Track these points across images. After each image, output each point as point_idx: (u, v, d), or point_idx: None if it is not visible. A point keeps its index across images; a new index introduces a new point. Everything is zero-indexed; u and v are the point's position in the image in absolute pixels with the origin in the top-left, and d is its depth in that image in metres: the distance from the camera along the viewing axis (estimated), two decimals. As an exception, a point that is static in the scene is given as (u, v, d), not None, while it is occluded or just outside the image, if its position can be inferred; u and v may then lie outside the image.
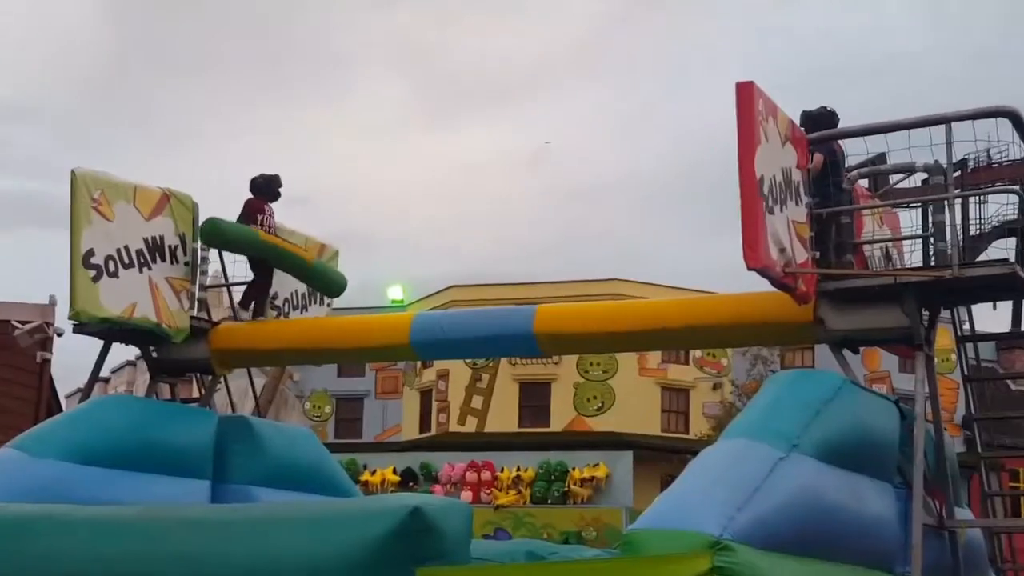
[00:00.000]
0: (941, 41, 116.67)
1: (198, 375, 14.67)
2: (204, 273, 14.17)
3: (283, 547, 8.59)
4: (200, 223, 13.76)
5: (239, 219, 13.92)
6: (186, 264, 13.71)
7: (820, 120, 11.55)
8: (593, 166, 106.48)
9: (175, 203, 13.69)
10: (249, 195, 14.25)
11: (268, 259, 14.13)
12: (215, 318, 14.34)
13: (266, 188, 14.32)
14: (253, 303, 14.33)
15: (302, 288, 15.07)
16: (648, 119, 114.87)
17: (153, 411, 13.23)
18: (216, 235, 13.72)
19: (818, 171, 11.17)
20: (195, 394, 15.18)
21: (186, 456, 12.98)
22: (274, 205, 14.36)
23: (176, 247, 13.61)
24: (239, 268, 14.60)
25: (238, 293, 14.74)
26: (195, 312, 13.87)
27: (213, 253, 14.29)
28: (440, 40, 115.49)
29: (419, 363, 48.20)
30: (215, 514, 9.67)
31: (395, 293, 52.47)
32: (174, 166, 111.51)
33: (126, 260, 12.96)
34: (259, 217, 14.01)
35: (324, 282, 14.68)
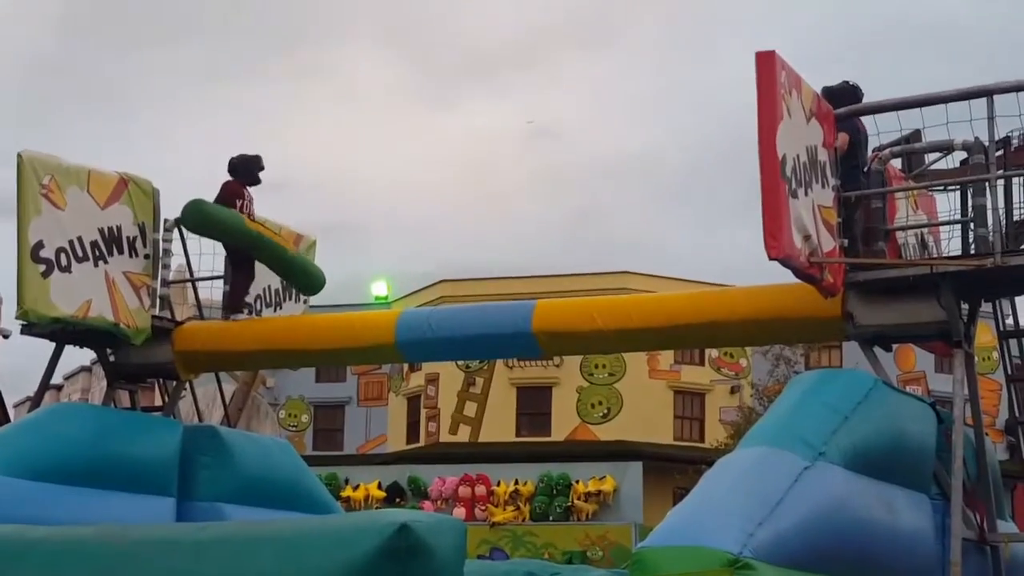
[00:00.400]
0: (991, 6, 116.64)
1: (161, 381, 14.66)
2: (167, 267, 14.14)
3: (256, 570, 8.59)
4: (182, 208, 13.50)
5: (216, 202, 13.80)
6: (146, 257, 13.68)
7: (842, 96, 11.55)
8: (599, 149, 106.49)
9: (133, 189, 13.66)
10: (227, 177, 14.08)
11: (248, 249, 14.03)
12: (179, 317, 14.33)
13: (244, 170, 14.19)
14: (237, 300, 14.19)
15: (276, 283, 15.04)
16: (661, 96, 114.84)
17: (111, 421, 13.21)
18: (201, 219, 13.52)
19: (844, 151, 11.22)
20: (157, 402, 15.16)
21: (148, 471, 12.97)
22: (253, 190, 14.25)
23: (135, 238, 13.58)
24: (205, 262, 14.59)
25: (204, 289, 14.73)
26: (157, 311, 13.85)
27: (177, 245, 14.28)
28: (432, 11, 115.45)
29: (406, 366, 48.25)
30: (181, 534, 9.66)
31: (379, 289, 52.52)
32: (132, 149, 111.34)
33: (79, 253, 12.94)
34: (238, 202, 13.92)
35: (304, 277, 14.63)
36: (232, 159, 14.18)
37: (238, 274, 14.23)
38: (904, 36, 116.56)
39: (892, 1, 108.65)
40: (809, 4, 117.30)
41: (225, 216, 13.59)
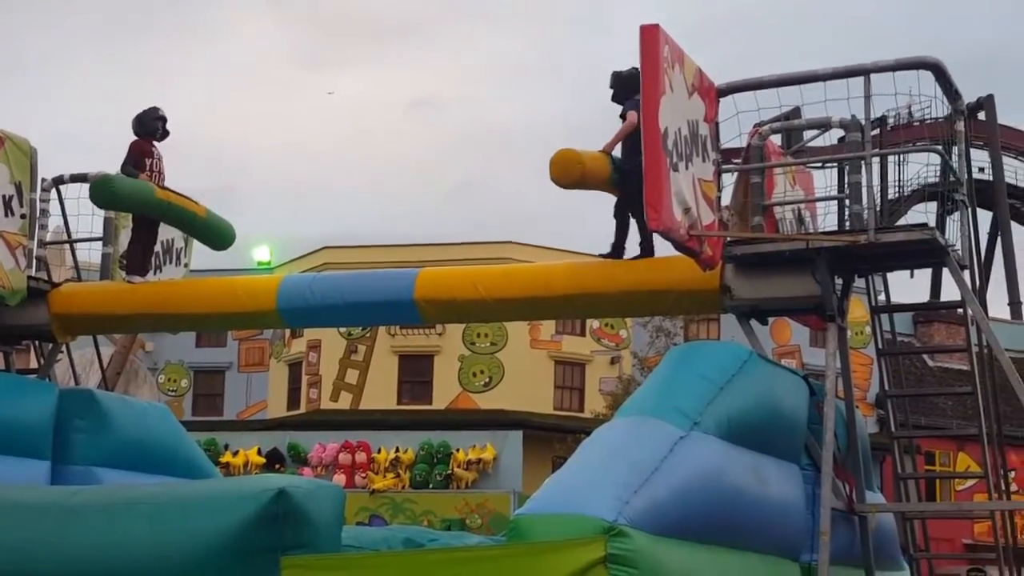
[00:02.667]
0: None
1: (36, 343, 14.43)
2: (44, 227, 13.92)
3: (132, 534, 8.52)
4: (90, 186, 13.11)
5: (124, 165, 13.46)
6: (23, 217, 13.43)
7: (629, 81, 11.48)
8: (485, 116, 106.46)
9: (10, 147, 13.40)
10: (134, 137, 13.66)
11: (160, 217, 13.73)
12: (56, 278, 14.10)
13: (143, 125, 13.69)
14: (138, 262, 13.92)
15: (155, 246, 14.85)
16: (546, 65, 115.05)
17: (-15, 383, 13.00)
18: (110, 196, 13.16)
19: (633, 129, 11.06)
20: (33, 364, 14.92)
21: (22, 433, 12.77)
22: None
23: (11, 197, 13.32)
24: (83, 223, 14.37)
25: (82, 251, 14.50)
26: (33, 272, 13.62)
27: (54, 205, 14.04)
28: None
29: (287, 332, 47.95)
30: (54, 497, 9.55)
31: (261, 254, 52.05)
32: (5, 106, 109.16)
33: (-46, 212, 12.70)
34: (147, 161, 13.53)
35: (215, 234, 14.22)
36: (133, 118, 13.76)
37: (142, 236, 13.91)
38: (789, 11, 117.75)
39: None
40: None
41: (134, 189, 13.24)
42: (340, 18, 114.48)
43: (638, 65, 11.15)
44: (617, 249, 11.88)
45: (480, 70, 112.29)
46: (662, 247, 10.62)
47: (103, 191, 13.05)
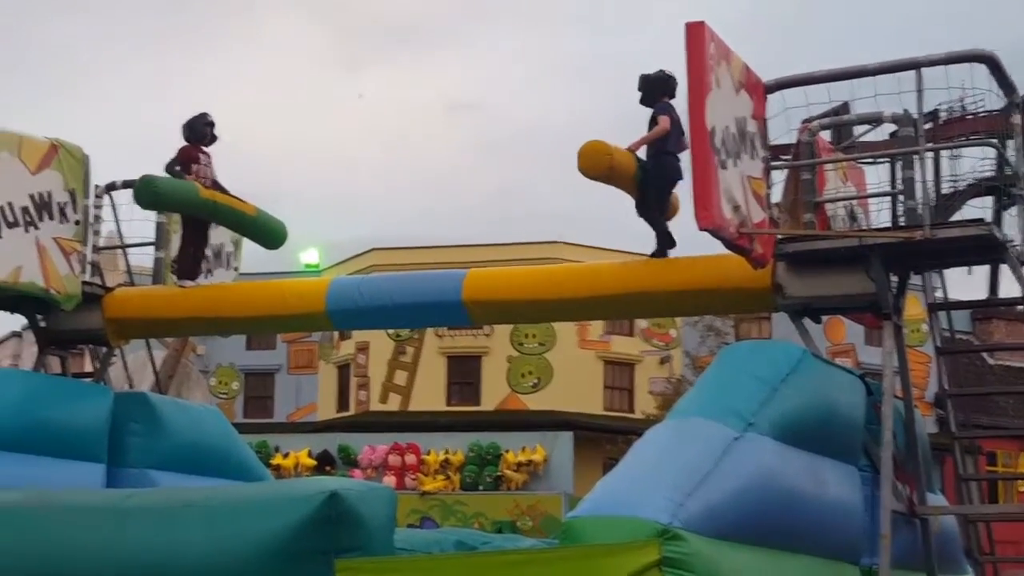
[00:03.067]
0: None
1: (91, 347, 14.54)
2: (97, 233, 14.05)
3: (186, 537, 8.55)
4: (133, 187, 13.10)
5: (169, 168, 13.51)
6: (77, 223, 13.56)
7: (656, 85, 11.76)
8: (523, 120, 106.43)
9: (64, 155, 13.52)
10: (183, 142, 13.71)
11: (207, 217, 13.79)
12: (110, 283, 14.19)
13: (193, 131, 13.73)
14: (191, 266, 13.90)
15: (205, 250, 14.93)
16: (588, 65, 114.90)
17: (41, 387, 13.10)
18: (153, 196, 13.15)
19: (663, 134, 11.49)
20: (88, 368, 15.03)
21: (78, 437, 12.88)
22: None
23: (66, 204, 13.46)
24: (136, 228, 14.48)
25: (135, 255, 14.60)
26: (87, 277, 13.74)
27: (107, 211, 14.15)
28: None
29: (336, 334, 48.05)
30: (110, 501, 9.60)
31: (310, 257, 52.28)
32: (60, 115, 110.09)
33: (10, 218, 12.82)
34: (194, 167, 13.55)
35: (267, 233, 14.23)
36: (183, 124, 13.80)
37: (191, 239, 13.94)
38: (836, 8, 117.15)
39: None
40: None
41: (177, 189, 13.29)
42: (378, 21, 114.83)
43: (665, 67, 11.66)
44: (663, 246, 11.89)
45: (520, 71, 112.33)
46: (710, 245, 10.54)
47: (146, 191, 13.07)
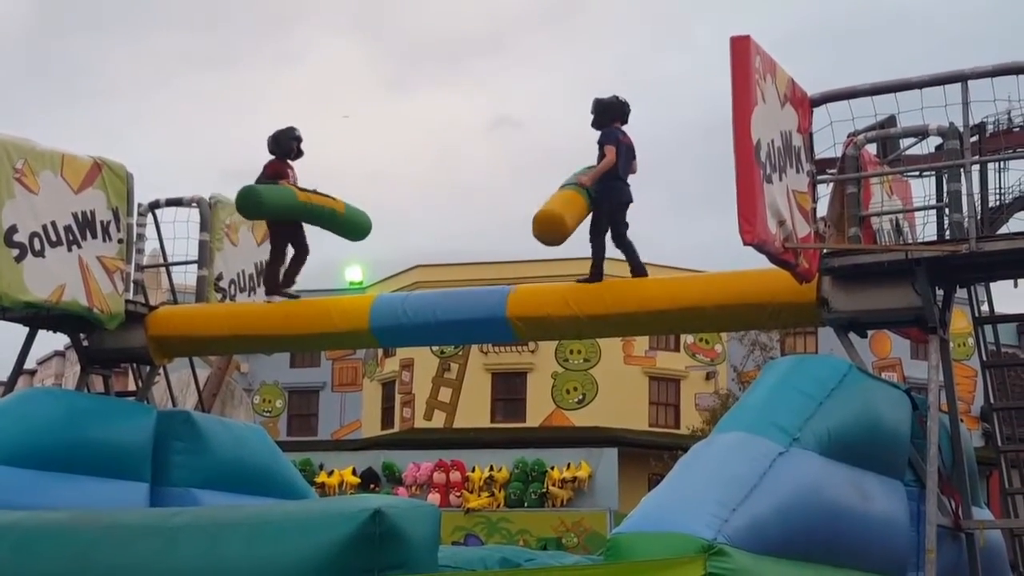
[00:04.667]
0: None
1: (134, 366, 14.63)
2: (140, 252, 14.14)
3: (230, 556, 8.59)
4: (235, 197, 13.14)
5: (259, 180, 13.48)
6: (120, 242, 13.64)
7: (609, 109, 12.28)
8: (567, 134, 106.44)
9: (107, 173, 13.62)
10: (270, 156, 13.75)
11: (305, 221, 13.71)
12: (153, 301, 14.29)
13: (279, 145, 13.71)
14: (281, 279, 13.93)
15: (250, 269, 15.02)
16: (626, 80, 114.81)
17: (84, 406, 13.19)
18: (256, 206, 13.20)
19: (611, 166, 12.02)
20: (131, 387, 15.12)
21: (122, 456, 12.95)
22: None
23: (108, 223, 13.54)
24: (179, 246, 14.58)
25: (177, 273, 14.69)
26: (131, 295, 13.82)
27: (150, 229, 14.25)
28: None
29: (380, 351, 48.16)
30: (154, 520, 9.65)
31: (353, 274, 52.35)
32: (102, 134, 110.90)
33: (53, 237, 12.90)
34: (281, 182, 13.55)
35: (354, 227, 14.15)
36: (269, 137, 13.78)
37: (278, 255, 13.90)
38: (878, 22, 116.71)
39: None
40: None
41: (278, 195, 13.31)
42: (421, 39, 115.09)
43: (618, 94, 12.33)
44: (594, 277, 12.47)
45: (560, 88, 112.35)
46: (755, 260, 10.53)
47: (250, 201, 13.14)
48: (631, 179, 12.40)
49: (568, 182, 12.21)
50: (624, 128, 12.39)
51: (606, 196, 12.15)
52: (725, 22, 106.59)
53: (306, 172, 13.66)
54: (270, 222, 13.84)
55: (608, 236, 12.31)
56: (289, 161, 13.76)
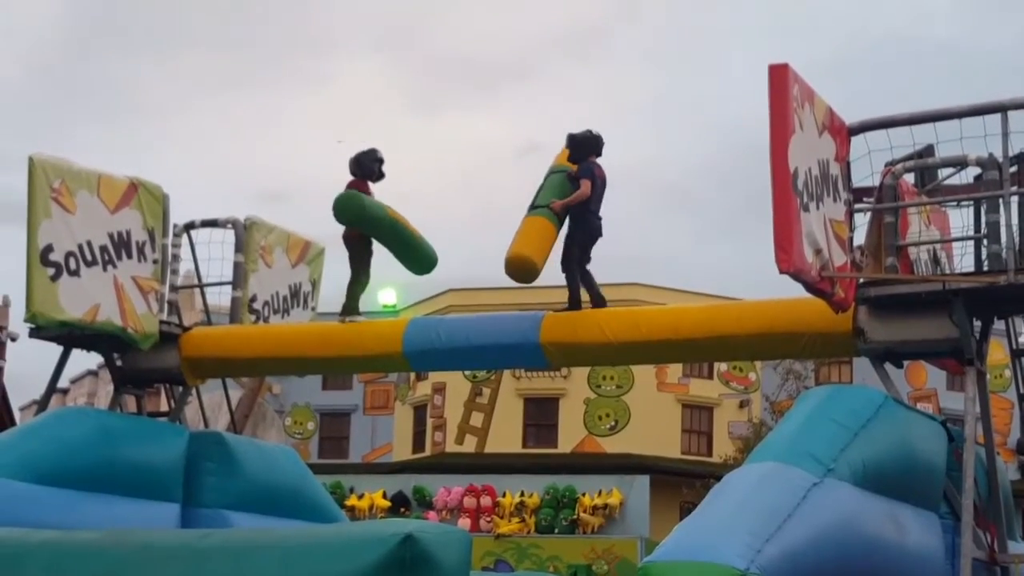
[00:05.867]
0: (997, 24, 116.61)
1: (167, 386, 14.68)
2: (175, 272, 14.20)
3: (260, 578, 8.58)
4: (335, 201, 13.16)
5: None
6: (155, 262, 13.70)
7: (584, 144, 12.56)
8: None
9: (143, 194, 13.68)
10: (350, 177, 13.74)
11: (387, 235, 13.63)
12: (187, 322, 14.33)
13: (361, 166, 13.68)
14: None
15: (283, 291, 15.06)
16: (660, 107, 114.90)
17: (117, 426, 13.22)
18: (359, 211, 13.22)
19: (584, 198, 12.25)
20: (164, 407, 15.16)
21: (153, 476, 12.97)
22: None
23: (144, 243, 13.60)
24: (213, 267, 14.62)
25: (211, 294, 14.73)
26: (165, 316, 13.87)
27: (185, 250, 14.31)
28: (427, 21, 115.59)
29: (413, 375, 48.21)
30: (184, 541, 9.65)
31: (387, 297, 52.47)
32: (133, 155, 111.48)
33: (89, 257, 12.96)
34: None
35: (423, 257, 14.13)
36: (351, 159, 13.76)
37: (362, 275, 13.89)
38: (914, 54, 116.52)
39: (900, 19, 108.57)
40: (811, 18, 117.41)
41: (375, 206, 13.40)
42: (450, 62, 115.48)
43: (594, 129, 12.57)
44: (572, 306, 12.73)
45: (588, 115, 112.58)
46: (790, 288, 10.49)
47: (352, 205, 13.22)
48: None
49: (539, 203, 12.44)
50: (598, 161, 12.63)
51: (580, 228, 12.44)
52: (760, 48, 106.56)
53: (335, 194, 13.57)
54: (351, 242, 13.72)
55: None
56: (369, 183, 13.74)
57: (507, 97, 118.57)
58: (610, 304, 12.87)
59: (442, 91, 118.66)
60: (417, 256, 14.04)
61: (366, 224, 13.57)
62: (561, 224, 12.42)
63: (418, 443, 49.58)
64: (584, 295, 12.71)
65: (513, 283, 12.78)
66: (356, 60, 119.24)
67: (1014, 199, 10.88)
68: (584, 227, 12.46)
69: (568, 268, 12.52)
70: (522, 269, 12.19)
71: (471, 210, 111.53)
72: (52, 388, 14.11)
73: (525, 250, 12.18)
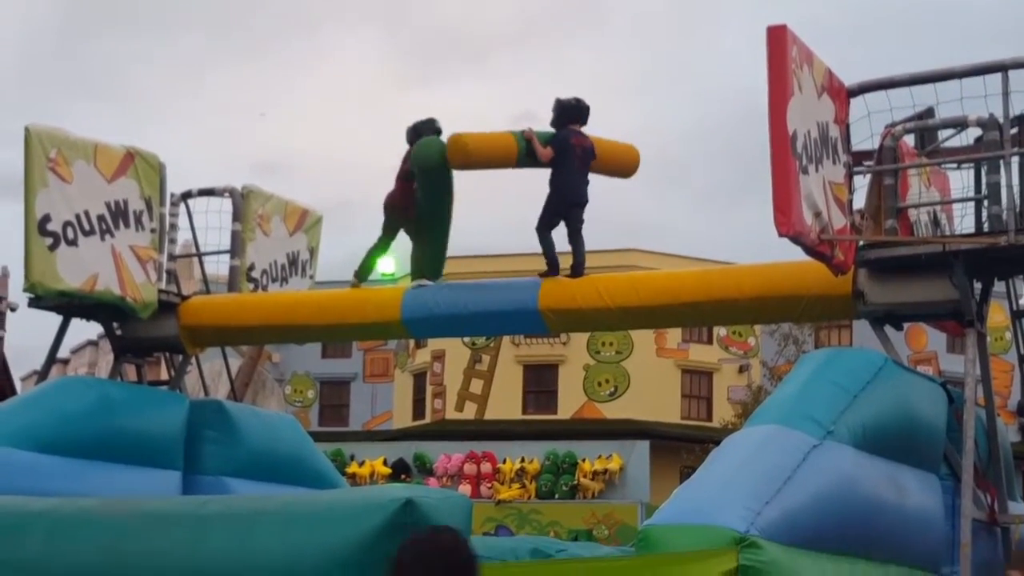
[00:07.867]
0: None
1: (167, 355, 14.67)
2: (173, 241, 14.18)
3: (261, 544, 8.59)
4: (440, 144, 12.61)
5: (402, 174, 13.19)
6: (152, 231, 13.68)
7: (565, 111, 12.40)
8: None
9: (140, 163, 13.65)
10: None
11: (434, 209, 13.25)
12: (185, 291, 14.33)
13: (417, 136, 13.06)
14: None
15: (281, 259, 15.04)
16: (658, 72, 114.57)
17: (117, 395, 13.24)
18: (464, 154, 12.41)
19: (545, 159, 12.22)
20: (164, 376, 15.16)
21: (154, 444, 13.00)
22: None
23: (141, 212, 13.58)
24: (211, 236, 14.61)
25: (209, 263, 14.72)
26: (163, 285, 13.86)
27: (183, 219, 14.30)
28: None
29: (412, 342, 48.25)
30: (186, 508, 9.67)
31: (386, 265, 52.40)
32: (129, 130, 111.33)
33: (86, 227, 12.95)
34: None
35: (434, 258, 13.60)
36: (408, 127, 13.24)
37: (388, 241, 13.68)
38: (913, 16, 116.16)
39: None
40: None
41: (481, 140, 12.55)
42: (444, 33, 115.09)
43: (580, 96, 12.45)
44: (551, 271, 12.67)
45: (583, 84, 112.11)
46: (790, 251, 10.47)
47: (462, 147, 12.38)
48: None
49: (514, 131, 12.40)
50: (582, 130, 12.52)
51: (558, 193, 12.41)
52: (756, 14, 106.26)
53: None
54: (391, 210, 13.37)
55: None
56: None
57: (500, 66, 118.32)
58: (608, 270, 12.85)
59: (435, 62, 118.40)
60: (431, 253, 13.63)
61: (477, 165, 12.78)
62: (528, 153, 12.31)
63: (418, 410, 49.67)
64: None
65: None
66: (348, 33, 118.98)
67: (1015, 160, 10.84)
68: (565, 192, 12.42)
69: (541, 230, 12.51)
70: (457, 144, 12.21)
71: (466, 179, 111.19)
72: (52, 358, 14.11)
73: (467, 135, 12.23)
